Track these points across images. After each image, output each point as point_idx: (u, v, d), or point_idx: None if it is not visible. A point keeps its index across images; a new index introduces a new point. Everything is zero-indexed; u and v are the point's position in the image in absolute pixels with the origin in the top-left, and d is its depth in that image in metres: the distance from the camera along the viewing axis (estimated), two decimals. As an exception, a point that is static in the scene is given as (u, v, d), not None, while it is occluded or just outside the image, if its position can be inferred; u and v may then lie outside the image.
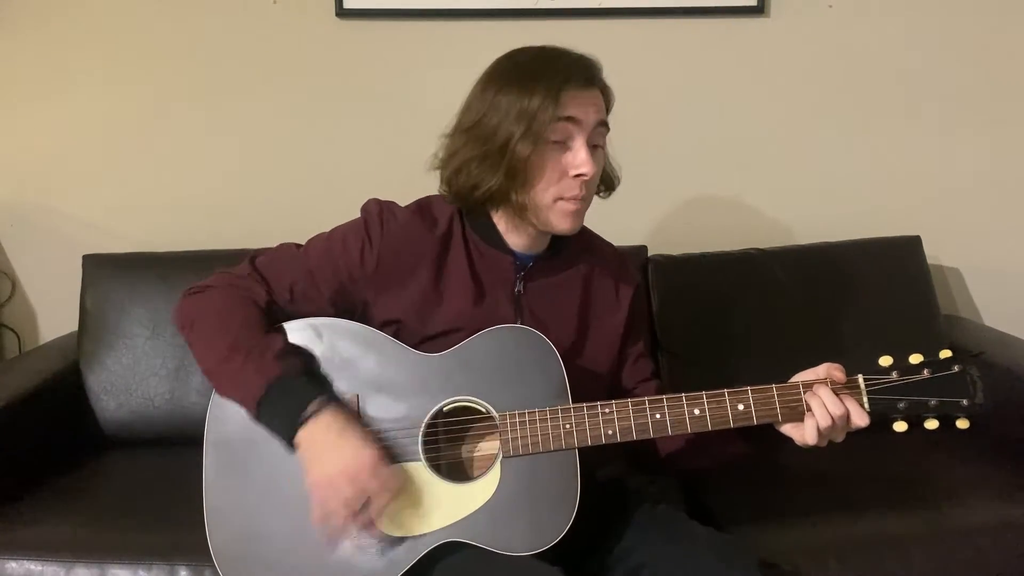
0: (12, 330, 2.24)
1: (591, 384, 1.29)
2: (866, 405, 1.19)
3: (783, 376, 1.23)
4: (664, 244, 2.07)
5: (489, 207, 1.30)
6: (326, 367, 1.25)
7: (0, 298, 2.22)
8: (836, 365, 1.21)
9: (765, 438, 1.25)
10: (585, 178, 1.23)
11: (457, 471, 1.25)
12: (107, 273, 1.97)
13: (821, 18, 2.18)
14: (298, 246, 1.35)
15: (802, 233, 2.16)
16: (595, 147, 1.26)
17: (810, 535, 1.49)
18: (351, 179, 2.16)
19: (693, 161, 2.22)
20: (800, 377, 1.22)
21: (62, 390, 1.87)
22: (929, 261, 2.09)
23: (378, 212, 1.31)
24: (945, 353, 1.19)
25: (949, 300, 2.28)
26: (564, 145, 1.23)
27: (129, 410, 1.89)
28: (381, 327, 1.27)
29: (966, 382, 1.18)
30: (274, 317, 1.27)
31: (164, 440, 1.84)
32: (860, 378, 1.20)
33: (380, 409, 1.23)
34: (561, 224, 1.27)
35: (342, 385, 1.24)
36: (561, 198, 1.25)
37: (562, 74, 1.22)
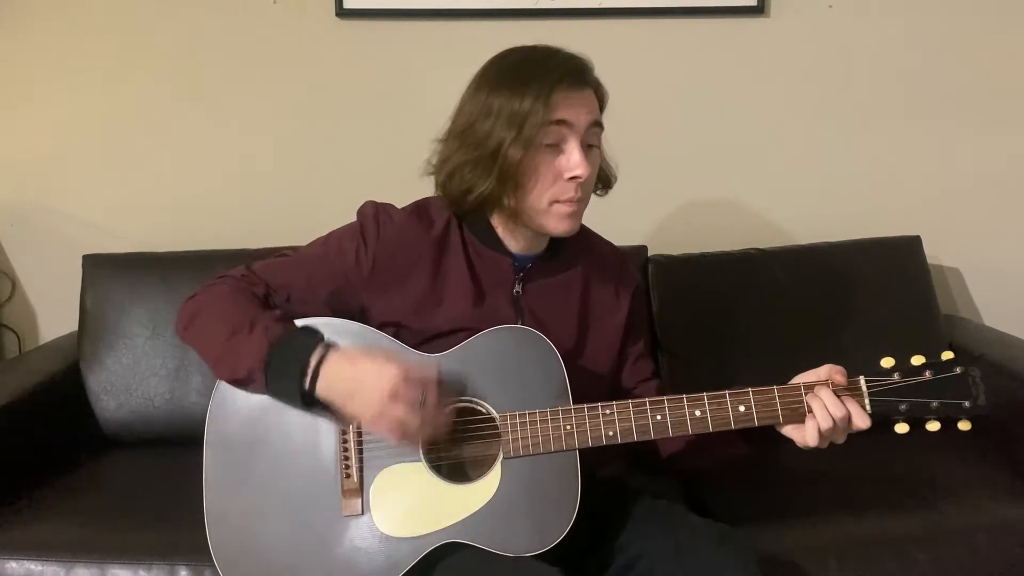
0: (12, 330, 2.24)
1: (591, 384, 1.29)
2: (867, 407, 1.19)
3: (783, 376, 1.23)
4: (664, 244, 2.07)
5: (484, 211, 1.29)
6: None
7: (0, 298, 2.22)
8: (838, 367, 1.21)
9: (766, 438, 1.25)
10: (580, 180, 1.22)
11: (458, 472, 1.25)
12: (107, 273, 1.97)
13: (821, 18, 2.18)
14: (294, 251, 1.35)
15: (802, 233, 2.16)
16: (590, 147, 1.26)
17: (810, 535, 1.49)
18: (351, 179, 2.16)
19: (693, 161, 2.22)
20: (801, 378, 1.22)
21: (62, 390, 1.87)
22: (929, 261, 2.09)
23: (374, 214, 1.31)
24: (947, 355, 1.20)
25: (949, 300, 2.28)
26: (557, 148, 1.23)
27: (129, 410, 1.89)
28: (381, 329, 1.27)
29: (968, 384, 1.18)
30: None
31: (164, 440, 1.84)
32: (862, 380, 1.20)
33: (381, 410, 1.22)
34: (558, 227, 1.26)
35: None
36: (557, 201, 1.24)
37: (552, 76, 1.21)
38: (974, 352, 1.89)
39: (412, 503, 1.20)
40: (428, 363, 1.17)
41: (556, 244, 1.35)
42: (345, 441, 1.23)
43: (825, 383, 1.20)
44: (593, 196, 1.34)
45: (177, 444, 1.67)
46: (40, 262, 2.22)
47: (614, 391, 1.38)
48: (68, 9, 2.11)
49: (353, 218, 1.33)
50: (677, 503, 1.41)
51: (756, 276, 2.00)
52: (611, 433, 1.20)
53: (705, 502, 1.60)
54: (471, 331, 1.24)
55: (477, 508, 1.19)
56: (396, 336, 1.27)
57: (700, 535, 1.22)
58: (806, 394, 1.19)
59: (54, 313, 2.20)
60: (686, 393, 1.21)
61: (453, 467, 1.25)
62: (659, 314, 1.95)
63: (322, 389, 1.15)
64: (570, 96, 1.22)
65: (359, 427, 1.22)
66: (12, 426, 1.68)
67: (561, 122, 1.21)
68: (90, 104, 2.15)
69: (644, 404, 1.20)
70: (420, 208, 1.34)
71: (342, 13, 2.11)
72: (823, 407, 1.17)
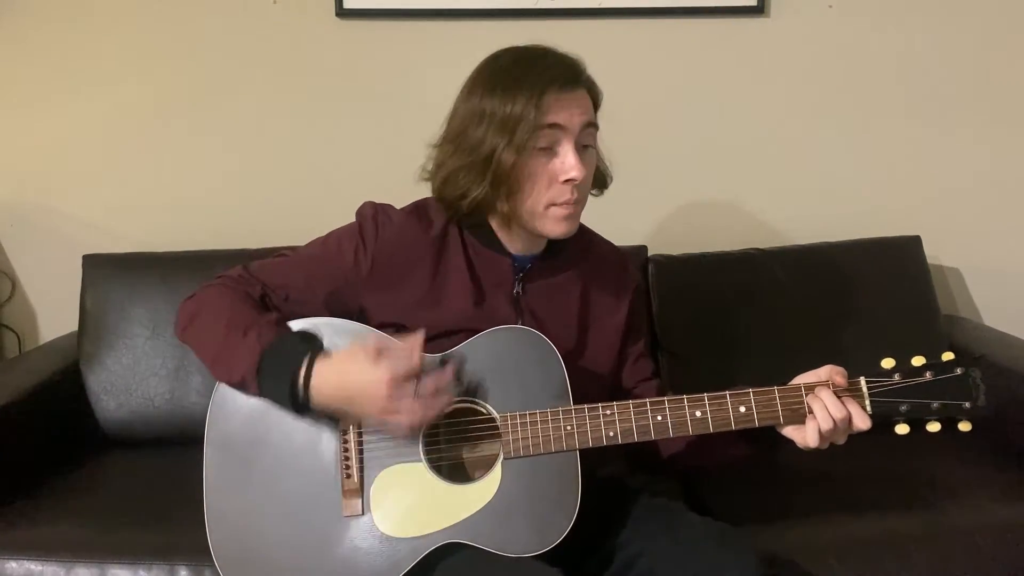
0: (12, 330, 2.24)
1: (592, 384, 1.29)
2: (868, 408, 1.19)
3: (784, 377, 1.23)
4: (664, 244, 2.07)
5: (482, 213, 1.29)
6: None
7: (0, 298, 2.22)
8: (838, 368, 1.21)
9: (766, 438, 1.25)
10: (575, 182, 1.22)
11: (458, 472, 1.25)
12: (107, 273, 1.97)
13: (821, 18, 2.18)
14: (293, 251, 1.35)
15: (802, 233, 2.16)
16: (585, 147, 1.25)
17: (810, 535, 1.49)
18: (351, 179, 2.15)
19: (693, 161, 2.22)
20: (802, 379, 1.22)
21: (62, 390, 1.87)
22: (929, 261, 2.09)
23: (373, 215, 1.31)
24: (947, 356, 1.20)
25: (949, 300, 2.28)
26: (551, 151, 1.22)
27: (129, 410, 1.89)
28: (380, 330, 1.27)
29: (968, 385, 1.18)
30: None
31: (164, 440, 1.84)
32: (862, 380, 1.20)
33: (381, 410, 1.22)
34: (555, 229, 1.26)
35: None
36: (553, 204, 1.24)
37: (543, 78, 1.20)
38: (974, 352, 1.89)
39: (412, 503, 1.20)
40: (408, 349, 1.16)
41: (555, 244, 1.35)
42: (345, 441, 1.22)
43: (825, 384, 1.20)
44: (593, 196, 1.34)
45: (177, 444, 1.67)
46: (40, 262, 2.22)
47: (614, 391, 1.37)
48: (68, 10, 2.11)
49: (352, 218, 1.33)
50: (677, 502, 1.41)
51: (756, 276, 2.00)
52: (611, 433, 1.20)
53: (705, 502, 1.60)
54: (471, 331, 1.24)
55: (477, 508, 1.18)
56: (396, 336, 1.26)
57: (700, 534, 1.23)
58: (806, 395, 1.19)
59: (54, 313, 2.20)
60: (686, 393, 1.21)
61: (453, 467, 1.25)
62: (659, 314, 1.95)
63: (316, 398, 1.16)
64: (562, 98, 1.21)
65: (359, 427, 1.22)
66: (12, 426, 1.68)
67: (554, 126, 1.20)
68: (90, 104, 2.15)
69: (644, 404, 1.20)
70: (419, 208, 1.33)
71: (342, 13, 2.11)
72: (823, 408, 1.17)
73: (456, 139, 1.26)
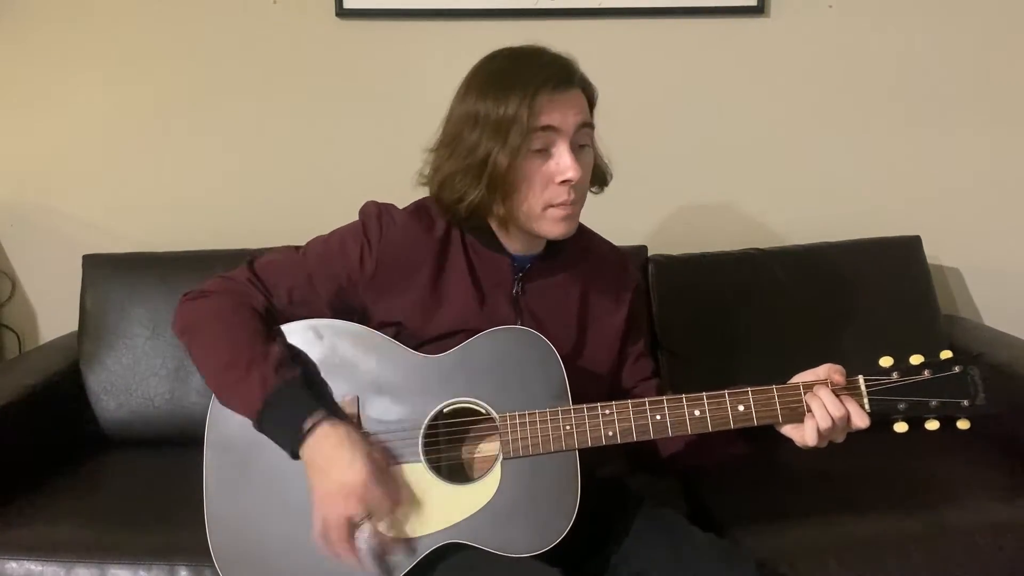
0: (12, 330, 2.24)
1: (591, 384, 1.29)
2: (867, 406, 1.19)
3: (783, 376, 1.23)
4: (664, 244, 2.07)
5: (480, 215, 1.29)
6: (326, 369, 1.24)
7: (0, 298, 2.22)
8: (837, 367, 1.21)
9: (765, 438, 1.25)
10: (572, 183, 1.21)
11: (457, 472, 1.25)
12: (107, 273, 1.97)
13: (821, 18, 2.18)
14: (296, 249, 1.34)
15: (802, 233, 2.16)
16: (581, 147, 1.25)
17: (810, 535, 1.49)
18: (351, 179, 2.16)
19: (693, 161, 2.22)
20: (800, 378, 1.22)
21: (62, 390, 1.87)
22: (929, 261, 2.09)
23: (376, 215, 1.30)
24: (946, 354, 1.19)
25: (949, 300, 2.28)
26: (547, 152, 1.22)
27: (129, 410, 1.89)
28: (381, 330, 1.27)
29: (967, 383, 1.17)
30: (273, 322, 1.26)
31: (164, 440, 1.84)
32: (861, 379, 1.20)
33: (380, 411, 1.23)
34: (554, 230, 1.26)
35: (342, 387, 1.24)
36: (551, 205, 1.23)
37: (536, 80, 1.19)
38: (974, 352, 1.89)
39: (412, 504, 1.19)
40: (397, 481, 1.17)
41: (555, 244, 1.34)
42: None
43: (824, 382, 1.19)
44: (594, 196, 1.34)
45: (177, 444, 1.68)
46: (40, 262, 2.22)
47: (614, 390, 1.37)
48: (68, 10, 2.11)
49: (353, 218, 1.33)
50: (678, 511, 1.41)
51: (756, 276, 2.00)
52: (611, 433, 1.20)
53: (705, 502, 1.61)
54: (471, 332, 1.24)
55: (477, 508, 1.18)
56: (396, 337, 1.26)
57: (704, 552, 1.23)
58: (805, 394, 1.19)
59: (54, 313, 2.20)
60: (686, 393, 1.21)
61: (453, 467, 1.25)
62: (659, 314, 1.95)
63: (303, 452, 1.16)
64: (555, 99, 1.20)
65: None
66: (12, 426, 1.69)
67: (548, 128, 1.20)
68: (90, 104, 2.15)
69: (643, 404, 1.20)
70: (421, 209, 1.33)
71: (342, 13, 2.11)
72: (822, 406, 1.17)
73: (452, 143, 1.25)
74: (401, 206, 1.34)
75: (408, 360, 1.24)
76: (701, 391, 1.21)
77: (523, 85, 1.19)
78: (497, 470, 1.20)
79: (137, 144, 2.17)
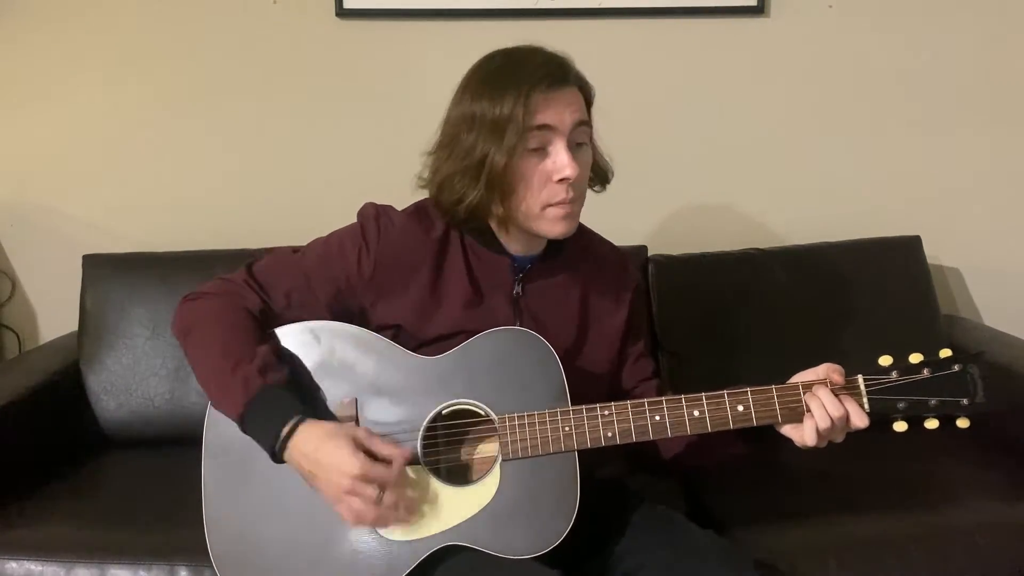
0: (12, 330, 2.24)
1: (591, 385, 1.29)
2: (866, 406, 1.18)
3: (783, 376, 1.23)
4: (664, 244, 2.07)
5: (479, 216, 1.29)
6: (324, 371, 1.24)
7: (0, 298, 2.22)
8: (836, 367, 1.20)
9: (765, 438, 1.25)
10: (569, 181, 1.21)
11: (457, 474, 1.25)
12: (107, 273, 1.97)
13: (821, 18, 2.18)
14: (295, 251, 1.34)
15: (802, 233, 2.16)
16: (579, 145, 1.25)
17: (810, 535, 1.49)
18: (351, 179, 2.15)
19: (693, 161, 2.21)
20: (799, 378, 1.22)
21: (62, 390, 1.87)
22: (929, 261, 2.09)
23: (375, 216, 1.30)
24: (945, 352, 1.19)
25: (949, 300, 2.28)
26: (543, 151, 1.22)
27: (129, 410, 1.89)
28: (379, 332, 1.27)
29: (966, 381, 1.17)
30: (269, 324, 1.26)
31: (164, 440, 1.84)
32: (860, 379, 1.20)
33: (379, 412, 1.22)
34: (553, 230, 1.25)
35: (341, 389, 1.23)
36: (550, 204, 1.23)
37: (531, 79, 1.19)
38: (974, 351, 1.89)
39: (411, 505, 1.19)
40: (392, 456, 1.15)
41: (555, 244, 1.34)
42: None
43: (823, 382, 1.19)
44: (594, 196, 1.34)
45: (177, 444, 1.67)
46: (40, 262, 2.22)
47: (614, 391, 1.37)
48: (68, 10, 2.11)
49: (352, 219, 1.33)
50: (678, 510, 1.40)
51: (756, 276, 2.00)
52: (610, 434, 1.20)
53: (705, 502, 1.60)
54: (470, 333, 1.24)
55: (476, 510, 1.18)
56: (395, 339, 1.26)
57: (703, 550, 1.23)
58: (804, 393, 1.19)
59: (54, 313, 2.20)
60: (686, 393, 1.21)
61: (452, 469, 1.25)
62: (659, 314, 1.95)
63: (289, 457, 1.15)
64: (551, 98, 1.20)
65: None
66: (12, 426, 1.68)
67: (544, 127, 1.20)
68: (90, 104, 2.15)
69: (643, 405, 1.20)
70: (420, 210, 1.33)
71: (342, 13, 2.11)
72: (821, 406, 1.17)
73: (449, 144, 1.25)
74: (401, 206, 1.34)
75: (407, 361, 1.24)
76: (701, 391, 1.21)
77: (518, 84, 1.19)
78: (496, 471, 1.20)
79: (137, 144, 2.17)
